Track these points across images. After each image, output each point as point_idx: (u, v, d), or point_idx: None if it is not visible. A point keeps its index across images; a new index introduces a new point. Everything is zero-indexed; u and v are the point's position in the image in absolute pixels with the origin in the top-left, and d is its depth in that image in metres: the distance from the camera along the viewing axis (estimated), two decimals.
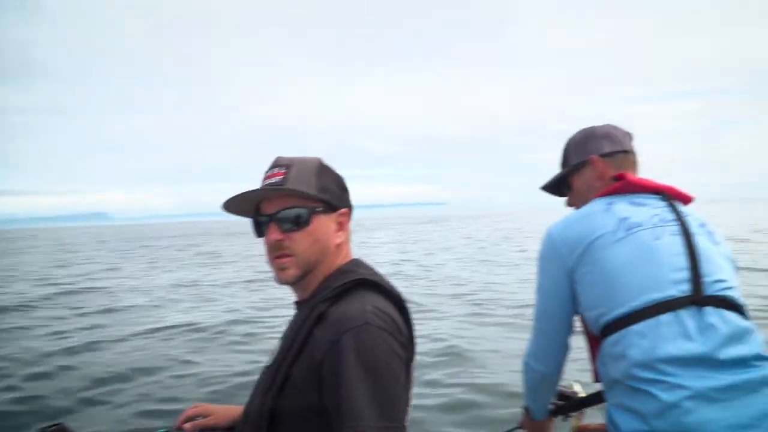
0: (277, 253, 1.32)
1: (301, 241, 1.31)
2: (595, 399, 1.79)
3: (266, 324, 8.33)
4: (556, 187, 1.91)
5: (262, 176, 1.37)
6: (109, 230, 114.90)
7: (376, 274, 1.36)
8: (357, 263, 1.39)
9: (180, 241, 42.95)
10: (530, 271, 9.75)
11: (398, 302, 1.32)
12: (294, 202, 1.31)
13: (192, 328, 8.16)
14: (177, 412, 1.64)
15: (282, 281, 1.34)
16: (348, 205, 1.42)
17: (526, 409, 1.84)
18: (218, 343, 7.30)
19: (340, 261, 1.38)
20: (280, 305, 9.75)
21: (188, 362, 6.29)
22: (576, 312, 1.61)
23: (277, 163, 1.36)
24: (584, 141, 1.79)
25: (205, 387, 5.37)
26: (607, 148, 1.75)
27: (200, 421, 1.55)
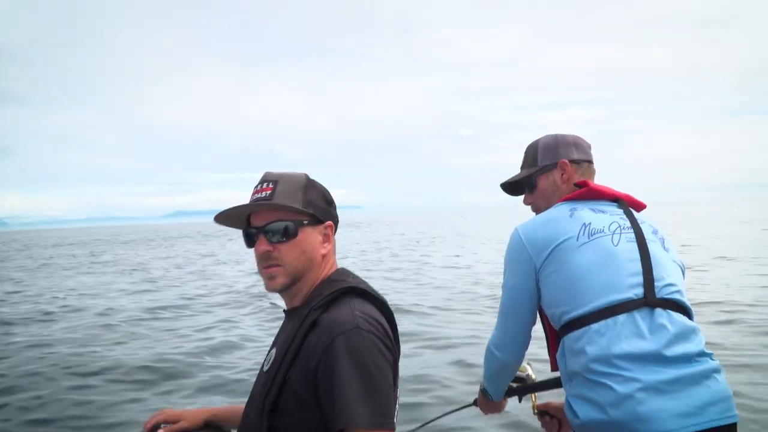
0: (265, 263, 1.40)
1: (288, 252, 1.39)
2: (549, 384, 1.94)
3: None
4: (514, 185, 2.01)
5: (251, 191, 1.46)
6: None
7: (362, 282, 1.45)
8: (344, 272, 1.48)
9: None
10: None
11: (383, 307, 1.41)
12: (281, 216, 1.39)
13: None
14: None
15: (271, 289, 1.43)
16: (333, 218, 1.50)
17: (484, 390, 1.97)
18: None
19: (327, 270, 1.47)
20: None
21: None
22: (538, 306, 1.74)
23: (266, 179, 1.44)
24: (555, 145, 1.92)
25: None
26: (576, 156, 1.89)
27: (172, 427, 1.59)
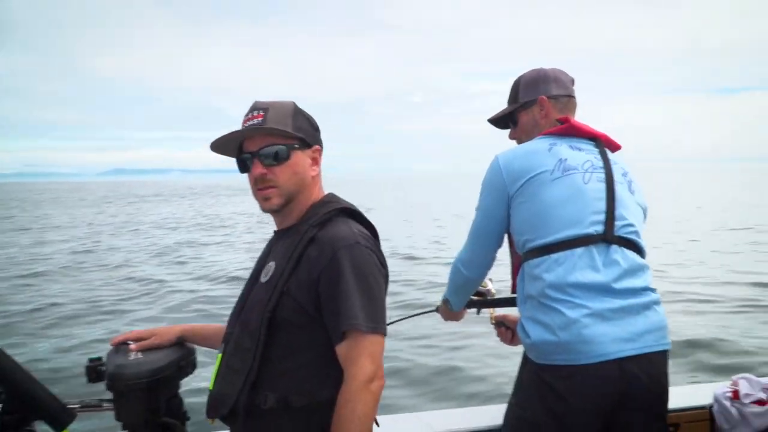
0: (261, 186, 1.50)
1: (281, 174, 1.49)
2: (506, 302, 2.11)
3: None
4: (501, 120, 2.10)
5: (241, 120, 1.54)
6: None
7: (352, 205, 1.57)
8: (334, 196, 1.60)
9: None
10: None
11: (371, 229, 1.56)
12: (274, 140, 1.48)
13: None
14: None
15: (266, 209, 1.54)
16: (320, 143, 1.60)
17: (446, 301, 2.12)
18: None
19: (317, 193, 1.58)
20: None
21: None
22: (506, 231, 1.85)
23: (256, 107, 1.52)
24: (535, 81, 1.97)
25: None
26: (555, 91, 1.95)
27: (143, 343, 1.62)
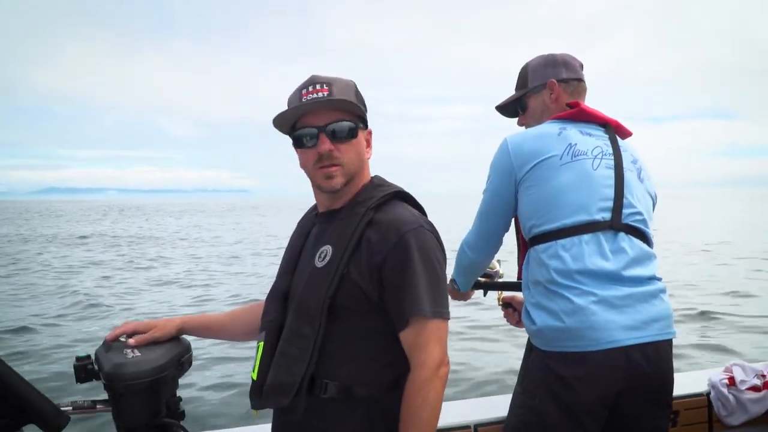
0: (326, 162, 1.40)
1: (347, 152, 1.42)
2: (512, 286, 2.10)
3: None
4: (509, 108, 2.07)
5: (299, 92, 1.42)
6: None
7: (403, 188, 1.52)
8: (382, 179, 1.53)
9: None
10: None
11: (423, 212, 1.51)
12: (341, 116, 1.40)
13: None
14: None
15: (329, 189, 1.43)
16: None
17: (453, 281, 2.09)
18: None
19: (368, 175, 1.52)
20: None
21: None
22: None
23: (317, 80, 1.41)
24: (544, 65, 1.94)
25: None
26: (565, 75, 1.92)
27: (144, 335, 1.52)
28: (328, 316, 1.36)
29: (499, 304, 2.22)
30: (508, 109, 2.08)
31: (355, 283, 1.36)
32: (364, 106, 1.49)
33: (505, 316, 2.20)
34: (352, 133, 1.42)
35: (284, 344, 1.39)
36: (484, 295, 2.24)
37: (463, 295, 2.16)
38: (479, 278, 2.10)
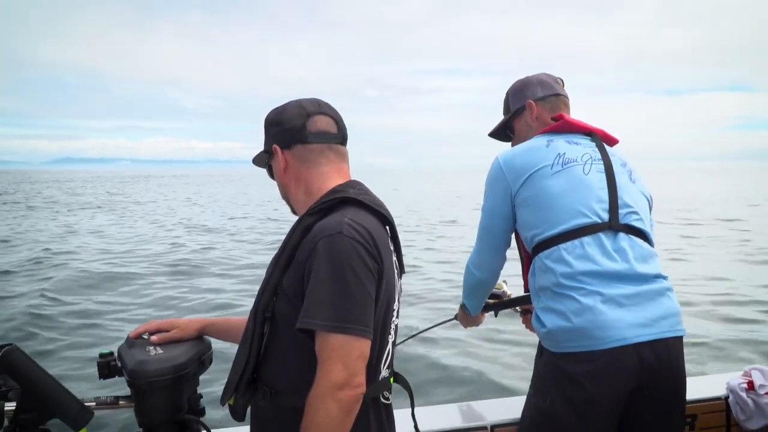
0: None
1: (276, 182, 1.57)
2: (522, 301, 2.14)
3: None
4: (502, 133, 2.16)
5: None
6: None
7: (365, 193, 1.44)
8: (351, 184, 1.46)
9: None
10: None
11: (383, 219, 1.43)
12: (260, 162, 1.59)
13: None
14: None
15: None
16: (279, 139, 1.50)
17: (463, 306, 2.14)
18: None
19: (318, 186, 1.46)
20: None
21: None
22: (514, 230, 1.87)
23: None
24: (521, 88, 2.05)
25: None
26: (540, 93, 2.01)
27: (167, 334, 1.56)
28: (267, 322, 1.35)
29: (517, 311, 2.25)
30: (500, 134, 2.16)
31: (285, 291, 1.33)
32: (275, 126, 1.50)
33: (524, 322, 2.23)
34: (269, 170, 1.55)
35: (239, 345, 1.41)
36: (495, 315, 2.27)
37: (474, 320, 2.20)
38: (488, 300, 2.13)
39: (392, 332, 1.43)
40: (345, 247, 1.26)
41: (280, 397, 1.34)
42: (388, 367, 1.42)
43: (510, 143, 2.12)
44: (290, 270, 1.33)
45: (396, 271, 1.44)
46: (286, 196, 1.54)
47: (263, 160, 1.55)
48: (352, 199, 1.39)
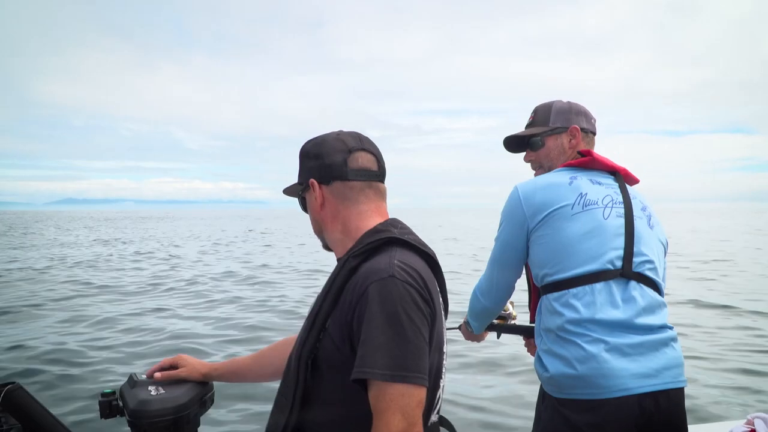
0: None
1: (310, 218, 1.54)
2: (525, 331, 2.14)
3: None
4: (515, 143, 2.09)
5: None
6: None
7: (409, 233, 1.41)
8: (392, 223, 1.43)
9: None
10: None
11: (429, 260, 1.38)
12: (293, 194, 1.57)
13: None
14: None
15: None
16: (315, 174, 1.47)
17: (467, 323, 2.14)
18: None
19: (355, 225, 1.42)
20: None
21: None
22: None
23: None
24: (569, 110, 2.00)
25: None
26: (585, 125, 2.00)
27: (171, 372, 1.58)
28: (311, 370, 1.29)
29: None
30: (515, 142, 2.08)
31: (332, 341, 1.27)
32: (314, 159, 1.45)
33: (526, 345, 2.24)
34: (302, 203, 1.52)
35: (278, 393, 1.38)
36: (498, 337, 2.27)
37: (477, 337, 2.21)
38: (493, 320, 2.13)
39: (443, 376, 1.38)
40: (398, 291, 1.22)
41: None
42: (437, 412, 1.38)
43: (522, 154, 2.06)
44: (336, 314, 1.28)
45: (443, 312, 1.40)
46: (320, 232, 1.50)
47: (297, 191, 1.51)
48: (398, 239, 1.35)
